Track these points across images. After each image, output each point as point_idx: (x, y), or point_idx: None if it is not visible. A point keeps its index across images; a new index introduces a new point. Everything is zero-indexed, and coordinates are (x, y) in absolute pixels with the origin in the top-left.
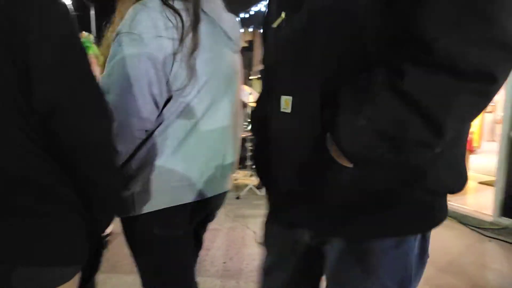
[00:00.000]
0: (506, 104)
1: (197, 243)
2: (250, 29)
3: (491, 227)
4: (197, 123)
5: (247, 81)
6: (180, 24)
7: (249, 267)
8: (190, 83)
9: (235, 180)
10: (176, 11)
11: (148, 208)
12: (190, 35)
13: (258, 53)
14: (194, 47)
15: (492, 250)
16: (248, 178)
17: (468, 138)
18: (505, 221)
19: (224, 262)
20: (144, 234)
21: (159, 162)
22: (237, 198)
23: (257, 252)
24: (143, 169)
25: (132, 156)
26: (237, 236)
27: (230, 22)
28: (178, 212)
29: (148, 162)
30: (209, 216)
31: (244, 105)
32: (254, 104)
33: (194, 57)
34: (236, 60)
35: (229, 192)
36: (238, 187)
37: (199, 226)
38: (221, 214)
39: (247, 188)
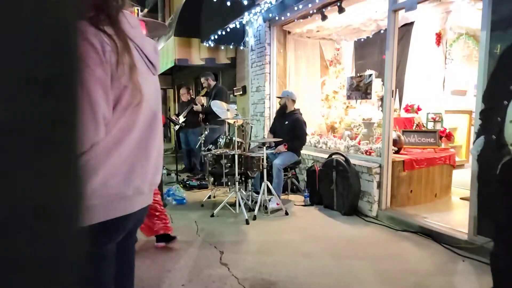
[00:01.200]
0: (475, 121)
1: (129, 264)
2: (231, 46)
3: (466, 245)
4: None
5: (231, 98)
6: (115, 48)
7: None
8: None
9: (214, 197)
10: (110, 35)
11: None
12: (126, 57)
13: (240, 69)
14: (133, 68)
15: (464, 270)
16: (225, 195)
17: (451, 154)
18: (480, 239)
19: (183, 285)
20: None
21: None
22: (212, 216)
23: (218, 274)
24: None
25: None
26: (202, 256)
27: (151, 47)
28: (109, 226)
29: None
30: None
31: (221, 122)
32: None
33: (136, 77)
34: (157, 83)
35: (204, 210)
36: (215, 205)
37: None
38: (192, 232)
39: (221, 205)
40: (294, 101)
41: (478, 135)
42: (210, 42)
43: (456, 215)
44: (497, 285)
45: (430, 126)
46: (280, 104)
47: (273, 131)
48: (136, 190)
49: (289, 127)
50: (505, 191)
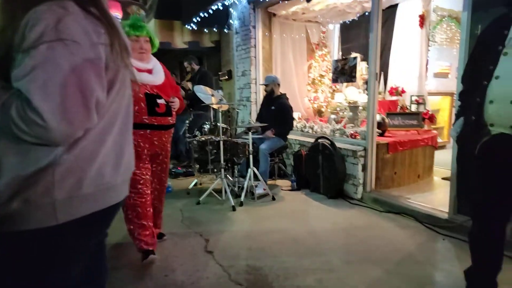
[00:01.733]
0: (456, 102)
1: (102, 259)
2: (215, 29)
3: (447, 224)
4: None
5: (217, 83)
6: (106, 30)
7: (191, 280)
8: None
9: (200, 184)
10: (99, 18)
11: (74, 215)
12: (116, 38)
13: (225, 53)
14: (124, 48)
15: (444, 249)
16: (211, 182)
17: (434, 135)
18: (460, 218)
19: (166, 275)
20: (61, 246)
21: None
22: (197, 203)
23: (203, 263)
24: (71, 174)
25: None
26: (187, 245)
27: (122, 29)
28: (101, 217)
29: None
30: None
31: (206, 107)
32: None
33: (128, 58)
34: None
35: (190, 198)
36: (201, 192)
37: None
38: (177, 221)
39: (207, 192)
40: (279, 85)
41: (457, 116)
42: (192, 25)
43: (438, 195)
44: (476, 264)
45: (413, 108)
46: (266, 92)
47: (260, 117)
48: (123, 178)
49: (275, 112)
50: (483, 171)
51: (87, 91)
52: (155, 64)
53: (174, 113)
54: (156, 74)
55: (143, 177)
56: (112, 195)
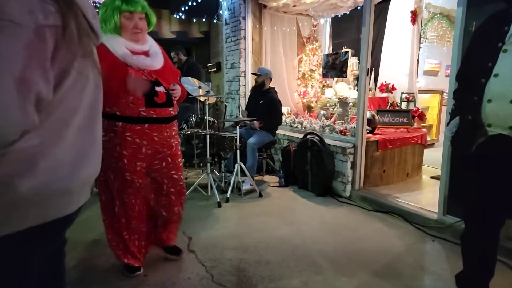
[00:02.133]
0: (448, 101)
1: (61, 271)
2: (204, 19)
3: (436, 225)
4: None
5: (205, 75)
6: (59, 9)
7: (172, 280)
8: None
9: (185, 179)
10: None
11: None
12: (73, 19)
13: (214, 44)
14: (83, 31)
15: (433, 250)
16: (197, 177)
17: (423, 133)
18: (450, 219)
19: (145, 275)
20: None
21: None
22: None
23: (185, 262)
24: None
25: None
26: None
27: (91, 11)
28: (49, 228)
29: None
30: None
31: (193, 99)
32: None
33: (89, 42)
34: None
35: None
36: (186, 187)
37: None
38: None
39: (192, 187)
40: (271, 79)
41: (452, 115)
42: (181, 14)
43: (427, 194)
44: (468, 268)
45: (403, 105)
46: (256, 82)
47: (248, 108)
48: (83, 183)
49: (264, 106)
50: (478, 173)
51: (25, 85)
52: (152, 45)
53: (175, 103)
54: (154, 56)
55: (133, 184)
56: (66, 203)
